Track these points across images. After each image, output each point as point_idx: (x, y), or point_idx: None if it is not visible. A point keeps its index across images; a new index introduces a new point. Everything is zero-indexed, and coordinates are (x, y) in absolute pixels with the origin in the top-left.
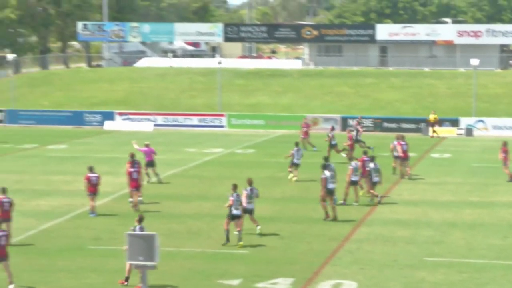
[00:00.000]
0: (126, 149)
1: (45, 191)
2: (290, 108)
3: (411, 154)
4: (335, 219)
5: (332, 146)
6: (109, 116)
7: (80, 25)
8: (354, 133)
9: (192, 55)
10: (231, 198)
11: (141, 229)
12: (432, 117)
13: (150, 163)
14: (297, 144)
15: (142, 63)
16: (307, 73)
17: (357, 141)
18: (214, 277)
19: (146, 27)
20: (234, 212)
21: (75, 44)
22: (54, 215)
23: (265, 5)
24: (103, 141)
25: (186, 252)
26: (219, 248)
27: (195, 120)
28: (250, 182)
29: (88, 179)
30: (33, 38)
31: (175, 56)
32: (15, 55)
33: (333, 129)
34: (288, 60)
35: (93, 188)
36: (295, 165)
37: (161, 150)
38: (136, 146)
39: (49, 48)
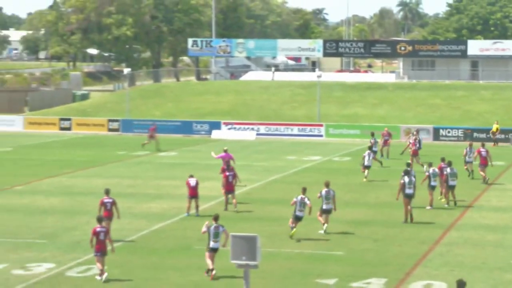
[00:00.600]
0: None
1: (156, 195)
2: (385, 119)
3: (500, 163)
4: (411, 221)
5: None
6: (216, 125)
7: (190, 41)
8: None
9: (293, 69)
10: (294, 200)
11: (216, 228)
12: (495, 127)
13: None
14: (369, 148)
15: (247, 76)
16: (401, 86)
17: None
18: (311, 276)
19: (251, 43)
20: (298, 213)
21: (185, 59)
22: (164, 217)
23: (362, 23)
24: (210, 149)
25: (286, 253)
26: (316, 250)
27: (295, 130)
28: (327, 184)
29: (187, 184)
30: (147, 54)
31: (277, 70)
32: (130, 69)
33: (417, 134)
34: (383, 74)
35: (192, 191)
36: (366, 167)
37: (262, 158)
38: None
39: (161, 63)
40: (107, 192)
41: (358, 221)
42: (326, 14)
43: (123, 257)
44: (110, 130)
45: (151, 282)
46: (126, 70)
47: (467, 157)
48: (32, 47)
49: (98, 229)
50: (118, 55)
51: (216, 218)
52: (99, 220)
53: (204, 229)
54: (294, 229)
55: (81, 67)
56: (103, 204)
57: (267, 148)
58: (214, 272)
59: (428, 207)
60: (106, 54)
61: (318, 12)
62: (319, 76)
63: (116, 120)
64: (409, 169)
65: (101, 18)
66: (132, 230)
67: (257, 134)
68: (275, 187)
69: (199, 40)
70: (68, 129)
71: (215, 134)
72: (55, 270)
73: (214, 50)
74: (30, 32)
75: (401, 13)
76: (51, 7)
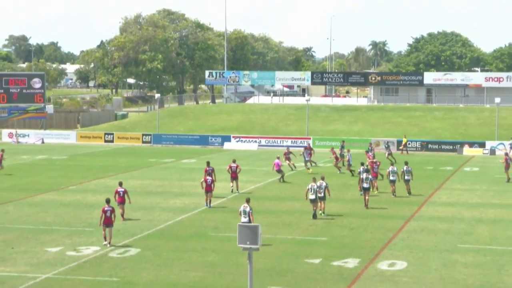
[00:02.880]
0: (238, 163)
1: (179, 193)
2: (360, 133)
3: (449, 168)
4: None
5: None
6: (227, 139)
7: (207, 73)
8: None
9: (287, 94)
10: (308, 187)
11: (245, 207)
12: (404, 140)
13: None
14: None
15: (251, 100)
16: (372, 108)
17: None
18: (301, 257)
19: (255, 74)
20: (311, 197)
21: (203, 86)
22: (186, 210)
23: (341, 58)
24: (222, 157)
25: (281, 239)
26: (305, 236)
27: (289, 142)
28: (322, 178)
29: (205, 180)
30: (173, 82)
31: (275, 95)
32: (160, 95)
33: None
34: (358, 98)
35: (208, 187)
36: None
37: (263, 164)
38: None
39: (184, 89)
40: (120, 184)
41: (337, 213)
42: (314, 51)
43: (154, 242)
44: (144, 142)
45: (176, 261)
46: (157, 95)
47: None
48: (84, 77)
49: (106, 208)
50: (150, 83)
51: (247, 200)
52: (107, 201)
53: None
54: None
55: (122, 93)
56: (117, 192)
57: (267, 156)
58: None
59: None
60: (141, 83)
61: (307, 50)
62: (307, 100)
63: (149, 135)
64: (366, 167)
65: (138, 55)
66: (161, 220)
67: (259, 145)
68: (273, 187)
69: (214, 72)
70: (111, 141)
71: (227, 145)
72: (100, 252)
73: (226, 80)
74: (82, 65)
75: (372, 51)
76: (99, 46)
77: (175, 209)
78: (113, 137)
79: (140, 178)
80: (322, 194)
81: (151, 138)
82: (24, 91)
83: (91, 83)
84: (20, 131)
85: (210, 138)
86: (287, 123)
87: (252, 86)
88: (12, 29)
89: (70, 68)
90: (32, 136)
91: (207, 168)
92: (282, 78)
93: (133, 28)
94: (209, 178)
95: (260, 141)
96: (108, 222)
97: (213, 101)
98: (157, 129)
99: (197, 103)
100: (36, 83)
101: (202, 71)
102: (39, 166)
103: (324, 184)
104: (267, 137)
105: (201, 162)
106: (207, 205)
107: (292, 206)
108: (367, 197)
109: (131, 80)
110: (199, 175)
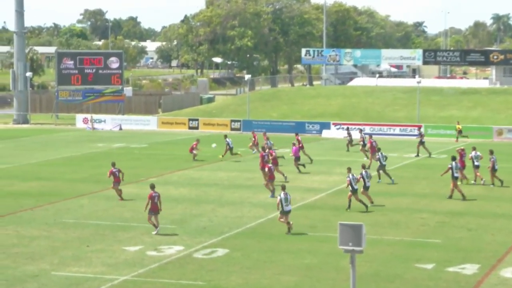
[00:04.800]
0: (339, 153)
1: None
2: (479, 120)
3: None
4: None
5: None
6: (326, 126)
7: (303, 51)
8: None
9: (395, 75)
10: (347, 179)
11: (286, 194)
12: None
13: (298, 159)
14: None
15: (354, 82)
16: (494, 91)
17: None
18: (411, 261)
19: (358, 53)
20: (355, 187)
21: (299, 66)
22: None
23: (458, 34)
24: (320, 146)
25: (387, 240)
26: (415, 237)
27: (397, 130)
28: (363, 167)
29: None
30: (265, 62)
31: (381, 76)
32: (250, 76)
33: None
34: (477, 80)
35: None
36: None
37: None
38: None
39: (278, 70)
40: (152, 187)
41: (454, 212)
42: (426, 26)
43: (243, 241)
44: (232, 129)
45: (268, 264)
46: (247, 77)
47: None
48: (165, 56)
49: (153, 194)
50: (240, 63)
51: (283, 187)
52: (152, 187)
53: (277, 200)
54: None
55: (208, 73)
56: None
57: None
58: (291, 223)
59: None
60: (229, 62)
61: (418, 25)
62: (418, 82)
63: (238, 121)
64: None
65: (226, 31)
66: (251, 217)
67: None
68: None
69: (311, 50)
70: (196, 128)
71: (325, 133)
72: (183, 252)
73: (325, 59)
74: (164, 43)
75: (494, 25)
76: (182, 21)
77: (267, 205)
78: (198, 124)
79: (227, 170)
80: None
81: (240, 124)
82: (100, 71)
83: (174, 63)
84: (95, 116)
85: (307, 125)
86: (395, 108)
87: (355, 66)
88: (88, 2)
89: (151, 46)
90: (109, 122)
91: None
92: (389, 57)
93: (221, 1)
94: (270, 165)
95: (364, 128)
96: (155, 209)
97: (310, 83)
98: (247, 115)
99: (292, 85)
100: (114, 63)
101: (298, 49)
102: (115, 155)
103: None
104: (372, 124)
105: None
106: (272, 196)
107: (400, 203)
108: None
109: (218, 59)
110: (294, 167)
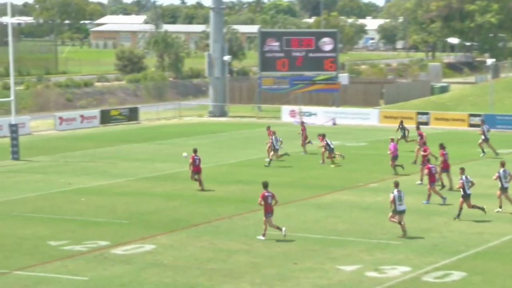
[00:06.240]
0: None
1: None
2: None
3: None
4: None
5: None
6: None
7: None
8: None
9: None
10: (460, 181)
11: (399, 192)
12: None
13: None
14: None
15: None
16: None
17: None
18: None
19: None
20: (468, 191)
21: None
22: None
23: None
24: None
25: None
26: None
27: None
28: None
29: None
30: None
31: None
32: (494, 60)
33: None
34: None
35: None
36: None
37: None
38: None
39: None
40: (265, 185)
41: None
42: None
43: (485, 263)
44: (471, 125)
45: None
46: (490, 61)
47: None
48: (389, 36)
49: (266, 194)
50: (481, 44)
51: (396, 184)
52: (265, 185)
53: (391, 198)
54: None
55: (441, 57)
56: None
57: None
58: (403, 224)
59: None
60: (468, 44)
61: None
62: None
63: (478, 115)
64: None
65: (464, 5)
66: (493, 234)
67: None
68: None
69: None
70: (426, 124)
71: None
72: (410, 274)
73: None
74: (387, 20)
75: None
76: None
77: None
78: (428, 118)
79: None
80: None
81: (481, 120)
82: (310, 55)
83: (399, 44)
84: (304, 108)
85: None
86: None
87: None
88: None
89: (371, 24)
90: (321, 115)
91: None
92: None
93: None
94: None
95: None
96: (269, 210)
97: None
98: (490, 108)
99: None
100: (327, 44)
101: None
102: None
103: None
104: None
105: None
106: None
107: None
108: None
109: (453, 40)
110: None
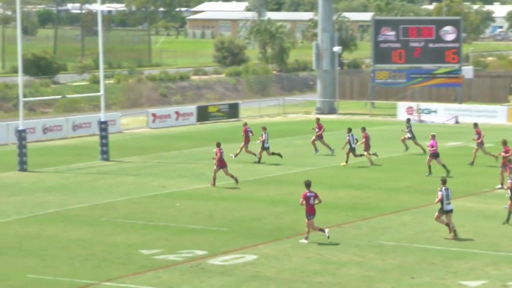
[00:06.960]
0: None
1: None
2: None
3: None
4: None
5: None
6: None
7: None
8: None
9: None
10: (509, 182)
11: (447, 190)
12: None
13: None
14: None
15: None
16: None
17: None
18: None
19: None
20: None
21: None
22: None
23: None
24: None
25: None
26: None
27: None
28: None
29: None
30: None
31: None
32: None
33: None
34: None
35: None
36: None
37: None
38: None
39: None
40: (308, 184)
41: None
42: None
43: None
44: None
45: None
46: None
47: None
48: None
49: (308, 194)
50: None
51: (443, 181)
52: (308, 185)
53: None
54: None
55: None
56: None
57: None
58: (451, 225)
59: None
60: None
61: None
62: None
63: None
64: None
65: None
66: None
67: None
68: None
69: None
70: None
71: None
72: None
73: None
74: None
75: None
76: None
77: None
78: None
79: None
80: None
81: None
82: (430, 45)
83: None
84: (423, 105)
85: None
86: None
87: None
88: None
89: (500, 11)
90: (441, 113)
91: None
92: None
93: None
94: None
95: None
96: (311, 211)
97: None
98: None
99: None
100: (449, 34)
101: None
102: (449, 157)
103: None
104: None
105: None
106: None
107: None
108: None
109: None
110: None
